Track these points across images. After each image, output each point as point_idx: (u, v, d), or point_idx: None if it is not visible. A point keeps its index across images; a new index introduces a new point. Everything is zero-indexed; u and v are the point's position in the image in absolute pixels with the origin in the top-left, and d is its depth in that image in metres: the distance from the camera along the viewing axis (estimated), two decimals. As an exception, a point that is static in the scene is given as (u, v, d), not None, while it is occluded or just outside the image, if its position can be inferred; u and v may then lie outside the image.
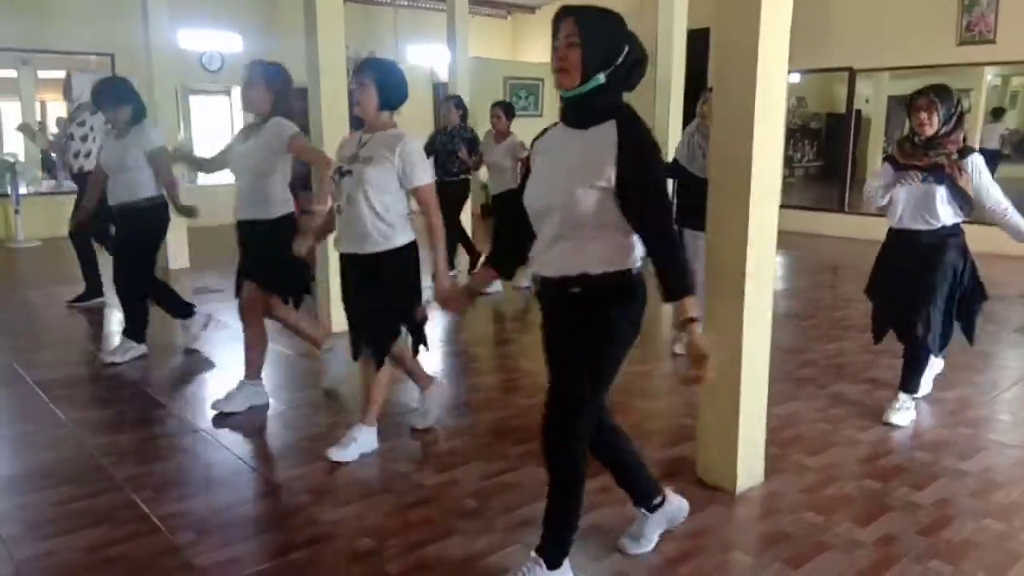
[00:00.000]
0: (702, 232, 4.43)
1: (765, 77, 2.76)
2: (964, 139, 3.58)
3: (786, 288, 7.12)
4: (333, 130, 5.19)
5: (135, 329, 4.77)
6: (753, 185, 2.81)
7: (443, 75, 9.89)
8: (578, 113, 2.15)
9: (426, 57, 11.76)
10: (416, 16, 12.01)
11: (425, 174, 3.18)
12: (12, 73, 9.93)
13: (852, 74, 9.31)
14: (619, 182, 2.05)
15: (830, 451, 3.43)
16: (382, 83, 3.11)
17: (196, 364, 4.81)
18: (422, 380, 3.73)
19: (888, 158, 3.77)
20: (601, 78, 2.07)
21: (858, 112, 9.71)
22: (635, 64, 2.13)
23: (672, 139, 7.59)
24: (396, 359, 3.49)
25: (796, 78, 10.03)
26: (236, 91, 11.11)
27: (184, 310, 5.04)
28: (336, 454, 3.30)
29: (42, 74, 10.07)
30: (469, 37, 10.06)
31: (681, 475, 3.15)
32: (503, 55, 13.22)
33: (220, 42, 10.53)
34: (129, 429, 3.75)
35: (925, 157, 3.53)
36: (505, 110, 6.58)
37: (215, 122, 11.63)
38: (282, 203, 3.78)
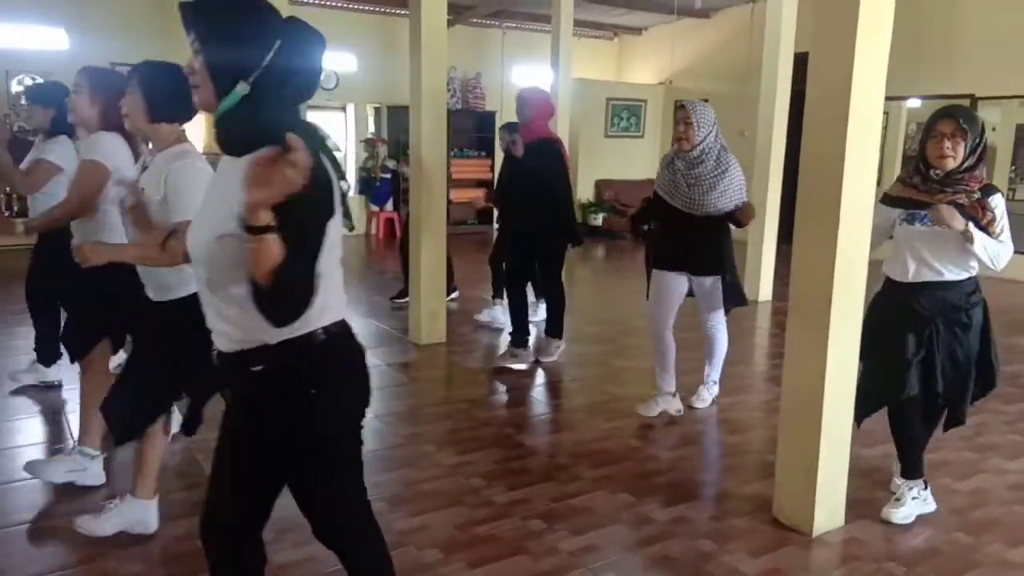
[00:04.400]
0: (683, 274, 4.11)
1: (859, 98, 2.68)
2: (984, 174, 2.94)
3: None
4: (433, 150, 5.36)
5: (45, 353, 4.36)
6: (843, 204, 2.72)
7: (547, 96, 10.03)
8: (228, 138, 1.60)
9: (531, 78, 11.92)
10: (523, 37, 12.22)
11: (189, 208, 2.21)
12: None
13: (974, 101, 8.82)
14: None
15: (921, 499, 3.25)
16: (149, 88, 2.45)
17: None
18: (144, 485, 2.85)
19: (884, 198, 3.06)
20: (242, 88, 1.52)
21: (983, 140, 9.17)
22: (295, 64, 1.54)
23: (775, 163, 7.41)
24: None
25: (917, 104, 9.58)
26: (351, 108, 11.64)
27: (47, 355, 4.38)
28: (86, 524, 2.78)
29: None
30: (574, 58, 10.17)
31: (757, 513, 3.08)
32: (608, 76, 13.25)
33: (337, 62, 11.04)
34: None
35: (940, 195, 2.87)
36: None
37: (332, 136, 12.26)
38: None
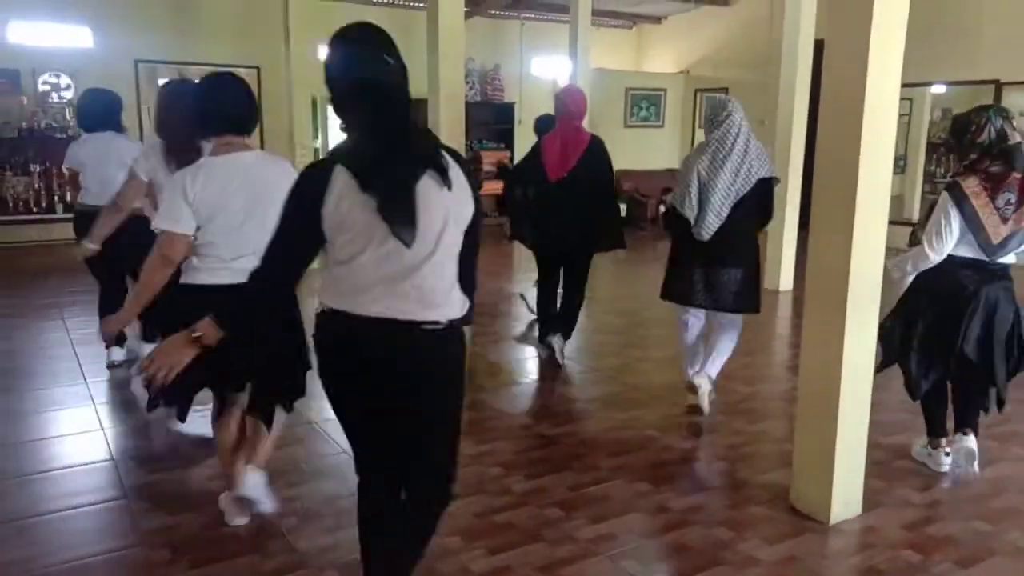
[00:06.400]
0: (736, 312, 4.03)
1: (875, 83, 2.67)
2: (963, 170, 3.24)
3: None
4: (451, 142, 5.37)
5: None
6: (859, 192, 2.71)
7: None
8: None
9: (549, 68, 11.91)
10: (541, 28, 12.18)
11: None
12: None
13: (998, 87, 8.68)
14: None
15: (939, 487, 3.25)
16: None
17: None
18: None
19: None
20: None
21: (1009, 126, 8.99)
22: None
23: (796, 152, 7.34)
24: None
25: (942, 89, 9.45)
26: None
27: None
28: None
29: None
30: (592, 48, 10.12)
31: (774, 502, 3.09)
32: (626, 65, 13.19)
33: (355, 56, 11.09)
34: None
35: None
36: None
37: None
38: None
